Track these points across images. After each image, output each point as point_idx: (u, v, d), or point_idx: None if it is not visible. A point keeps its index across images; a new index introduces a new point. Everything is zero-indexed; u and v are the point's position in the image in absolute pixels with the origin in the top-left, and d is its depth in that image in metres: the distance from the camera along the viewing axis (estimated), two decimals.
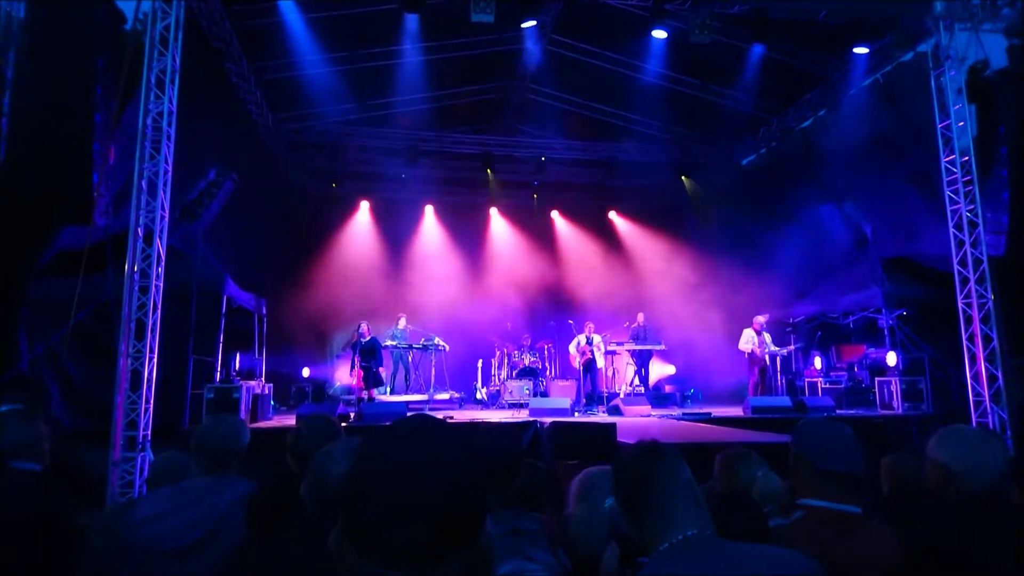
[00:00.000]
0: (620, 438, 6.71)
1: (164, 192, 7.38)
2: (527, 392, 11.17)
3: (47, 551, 2.37)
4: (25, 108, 8.05)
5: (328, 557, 0.86)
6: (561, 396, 11.06)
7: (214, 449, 2.36)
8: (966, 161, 8.79)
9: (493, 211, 16.14)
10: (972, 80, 9.13)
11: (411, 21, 9.98)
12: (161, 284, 7.31)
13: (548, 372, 12.85)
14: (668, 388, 12.99)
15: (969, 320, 8.65)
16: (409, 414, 1.01)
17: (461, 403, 12.01)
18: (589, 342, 11.56)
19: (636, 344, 11.85)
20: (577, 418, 9.49)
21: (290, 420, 8.52)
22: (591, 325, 11.90)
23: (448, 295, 14.31)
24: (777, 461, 2.89)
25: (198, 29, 8.83)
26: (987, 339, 8.48)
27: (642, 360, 12.07)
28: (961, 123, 8.87)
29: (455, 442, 0.87)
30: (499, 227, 16.10)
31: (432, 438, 0.87)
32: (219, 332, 9.26)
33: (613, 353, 11.93)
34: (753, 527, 1.69)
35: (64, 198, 7.89)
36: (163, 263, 7.34)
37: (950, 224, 8.88)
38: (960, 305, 8.73)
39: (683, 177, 15.06)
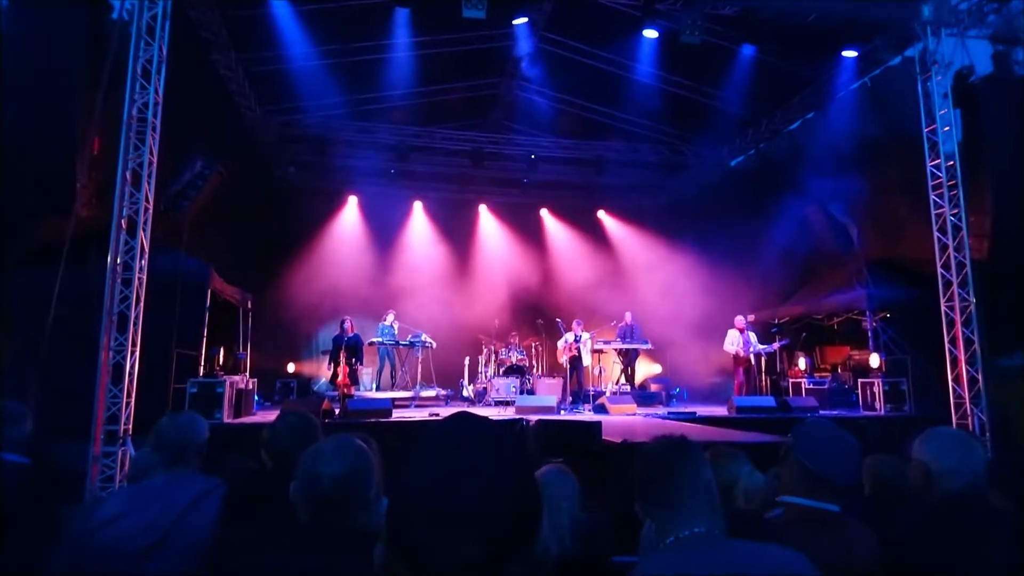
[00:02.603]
0: (605, 436, 6.72)
1: (148, 183, 7.29)
2: (513, 390, 11.17)
3: (31, 544, 2.34)
4: (6, 97, 7.91)
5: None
6: (547, 394, 11.07)
7: (171, 444, 2.34)
8: (951, 165, 8.89)
9: (482, 208, 16.11)
10: (958, 85, 9.23)
11: (402, 15, 9.93)
12: (144, 277, 7.23)
13: (535, 370, 12.85)
14: (654, 387, 13.02)
15: (951, 323, 8.75)
16: (451, 413, 0.95)
17: (447, 400, 11.99)
18: (577, 339, 11.58)
19: (623, 343, 11.88)
20: (563, 416, 9.51)
21: (274, 416, 8.46)
22: (580, 322, 11.92)
23: (436, 292, 14.27)
24: (760, 461, 2.91)
25: (186, 19, 8.72)
26: (969, 342, 8.59)
27: (629, 359, 12.11)
28: (947, 128, 8.96)
29: (501, 446, 0.83)
30: (488, 224, 16.08)
31: (478, 444, 0.82)
32: (203, 326, 9.17)
33: (600, 351, 11.96)
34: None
35: (46, 189, 7.76)
36: (147, 255, 7.25)
37: (934, 227, 8.97)
38: (943, 308, 8.83)
39: None
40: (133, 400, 7.06)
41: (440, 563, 0.74)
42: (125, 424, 6.90)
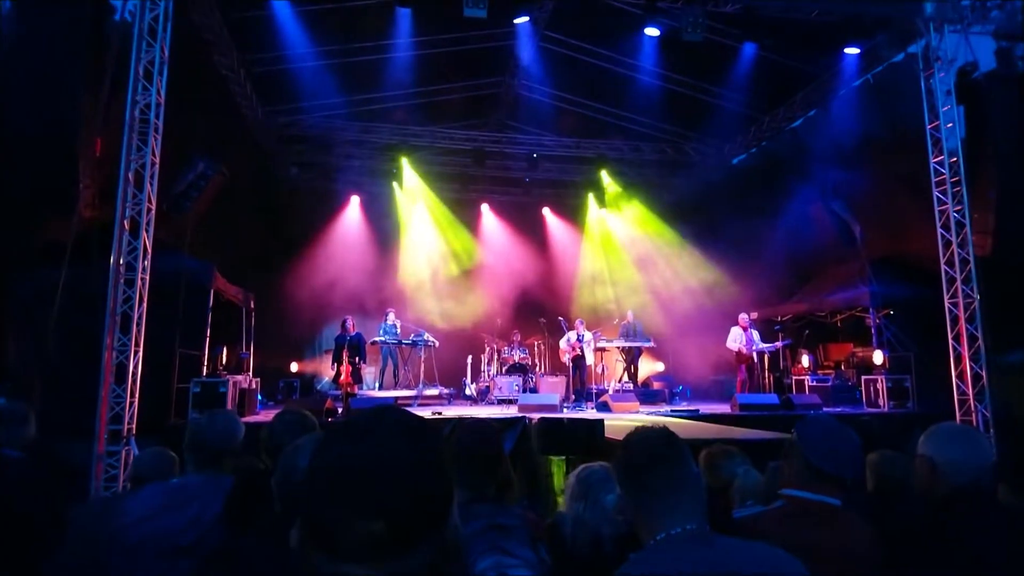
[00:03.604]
0: (608, 434, 6.72)
1: (151, 184, 7.32)
2: (516, 388, 11.17)
3: (28, 538, 2.35)
4: (10, 98, 7.94)
5: (293, 555, 0.84)
6: (550, 392, 11.07)
7: (208, 447, 2.31)
8: (954, 162, 8.86)
9: (484, 207, 16.12)
10: (961, 82, 9.20)
11: (403, 15, 9.93)
12: (147, 277, 7.25)
13: (537, 368, 12.85)
14: (657, 385, 13.02)
15: (955, 319, 8.73)
16: (378, 406, 1.02)
17: (450, 399, 11.99)
18: (580, 338, 11.58)
19: (625, 341, 11.87)
20: (565, 414, 9.50)
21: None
22: (582, 321, 11.92)
23: (438, 290, 14.28)
24: (762, 458, 2.92)
25: (187, 21, 8.74)
26: (972, 338, 8.56)
27: (631, 357, 12.10)
28: (950, 124, 8.94)
29: (415, 433, 0.86)
30: (490, 223, 16.08)
31: (392, 429, 0.85)
32: (206, 326, 9.19)
33: (602, 350, 11.96)
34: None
35: (49, 190, 7.79)
36: (149, 256, 7.27)
37: (937, 224, 8.95)
38: (946, 305, 8.81)
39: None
40: (136, 400, 7.08)
41: (349, 539, 0.77)
42: (128, 424, 6.92)
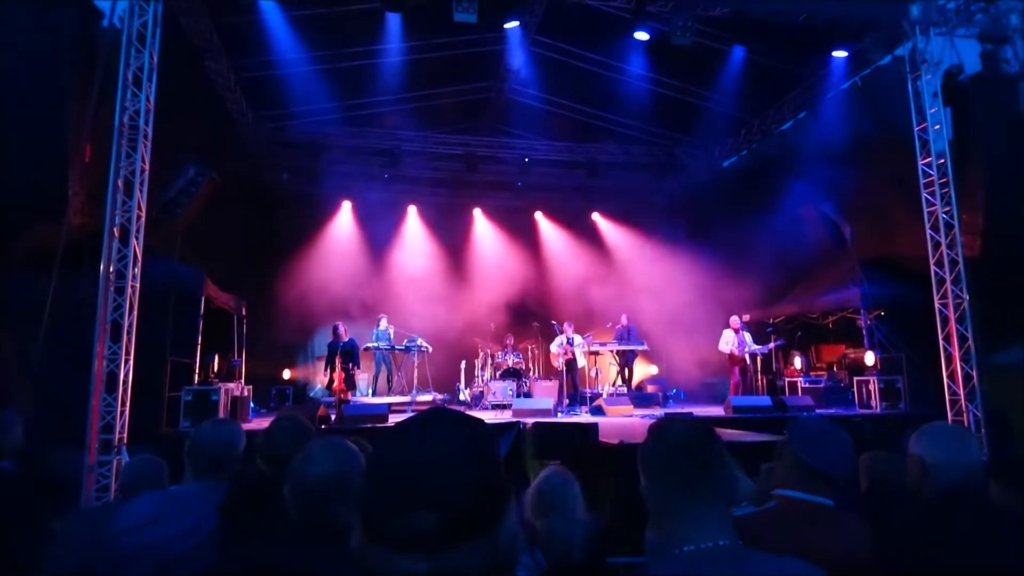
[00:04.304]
0: (602, 438, 6.72)
1: (141, 191, 7.27)
2: (510, 393, 11.16)
3: (11, 548, 2.33)
4: None
5: (341, 561, 0.87)
6: (544, 396, 11.06)
7: (209, 454, 2.30)
8: (942, 163, 8.93)
9: (476, 212, 16.12)
10: (947, 84, 9.29)
11: (393, 20, 9.93)
12: (138, 285, 7.19)
13: (531, 373, 12.84)
14: (651, 388, 13.05)
15: (945, 320, 8.78)
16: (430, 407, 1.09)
17: (444, 405, 11.95)
18: (570, 342, 11.58)
19: (619, 344, 11.89)
20: (560, 418, 9.49)
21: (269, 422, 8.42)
22: (571, 324, 11.94)
23: (431, 296, 14.25)
24: (756, 460, 2.92)
25: (177, 26, 8.71)
26: (963, 339, 8.62)
27: (625, 360, 12.12)
28: (937, 126, 9.01)
29: (469, 432, 0.88)
30: (482, 228, 16.08)
31: (447, 429, 0.88)
32: (197, 333, 9.14)
33: (597, 353, 11.97)
34: None
35: (38, 196, 7.73)
36: (140, 263, 7.22)
37: (926, 225, 9.02)
38: (936, 305, 8.87)
39: None
40: (127, 409, 7.02)
41: (400, 530, 0.79)
42: (120, 433, 6.86)
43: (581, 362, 11.76)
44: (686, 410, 10.51)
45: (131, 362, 7.08)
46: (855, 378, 10.53)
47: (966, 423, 8.33)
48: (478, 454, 0.86)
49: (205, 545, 2.03)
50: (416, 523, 0.79)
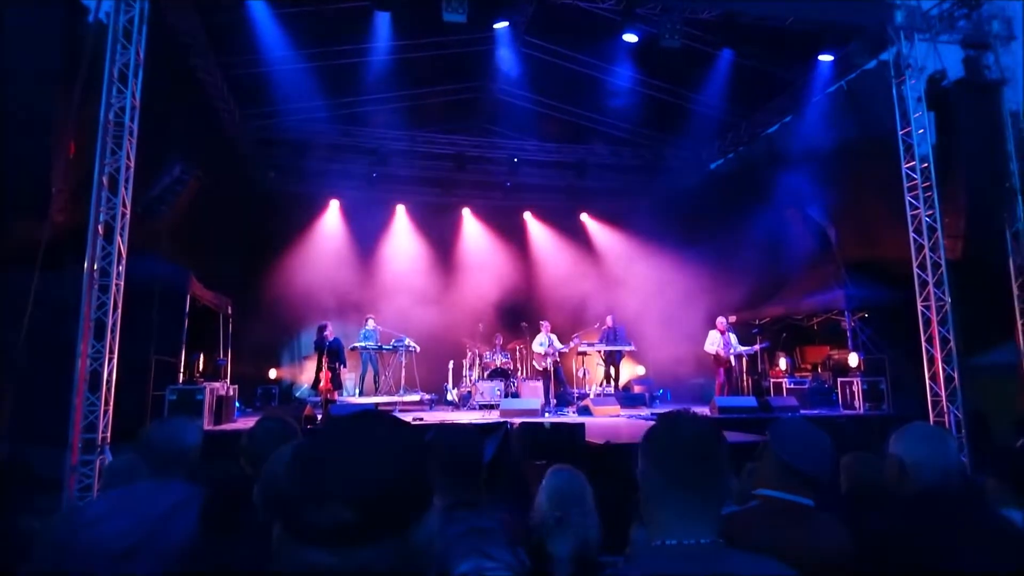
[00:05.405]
0: (589, 438, 6.75)
1: (125, 188, 7.21)
2: (498, 393, 11.16)
3: None
4: None
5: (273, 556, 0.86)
6: (532, 397, 11.07)
7: (157, 450, 2.33)
8: (926, 168, 9.05)
9: (465, 211, 16.11)
10: (931, 89, 9.42)
11: (382, 19, 9.90)
12: (122, 283, 7.13)
13: (519, 373, 12.85)
14: (638, 388, 13.09)
15: (928, 322, 8.90)
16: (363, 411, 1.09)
17: (432, 404, 11.94)
18: (550, 342, 11.68)
19: (606, 345, 11.93)
20: (547, 419, 9.51)
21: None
22: (547, 324, 12.00)
23: (419, 295, 14.23)
24: (741, 461, 2.95)
25: (163, 23, 8.63)
26: (945, 341, 8.74)
27: (613, 361, 12.16)
28: (921, 130, 9.13)
29: (399, 436, 0.90)
30: (471, 228, 16.08)
31: (376, 430, 0.89)
32: (182, 332, 9.07)
33: (584, 354, 12.01)
34: None
35: (21, 193, 7.63)
36: (124, 261, 7.16)
37: (910, 228, 9.13)
38: (919, 308, 8.98)
39: None
40: (111, 408, 6.96)
41: (316, 524, 0.80)
42: (103, 432, 6.80)
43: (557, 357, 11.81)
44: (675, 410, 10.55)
45: (115, 361, 7.02)
46: (839, 379, 10.63)
47: (947, 424, 8.45)
48: (401, 457, 0.87)
49: (148, 540, 2.05)
50: (327, 516, 0.80)
